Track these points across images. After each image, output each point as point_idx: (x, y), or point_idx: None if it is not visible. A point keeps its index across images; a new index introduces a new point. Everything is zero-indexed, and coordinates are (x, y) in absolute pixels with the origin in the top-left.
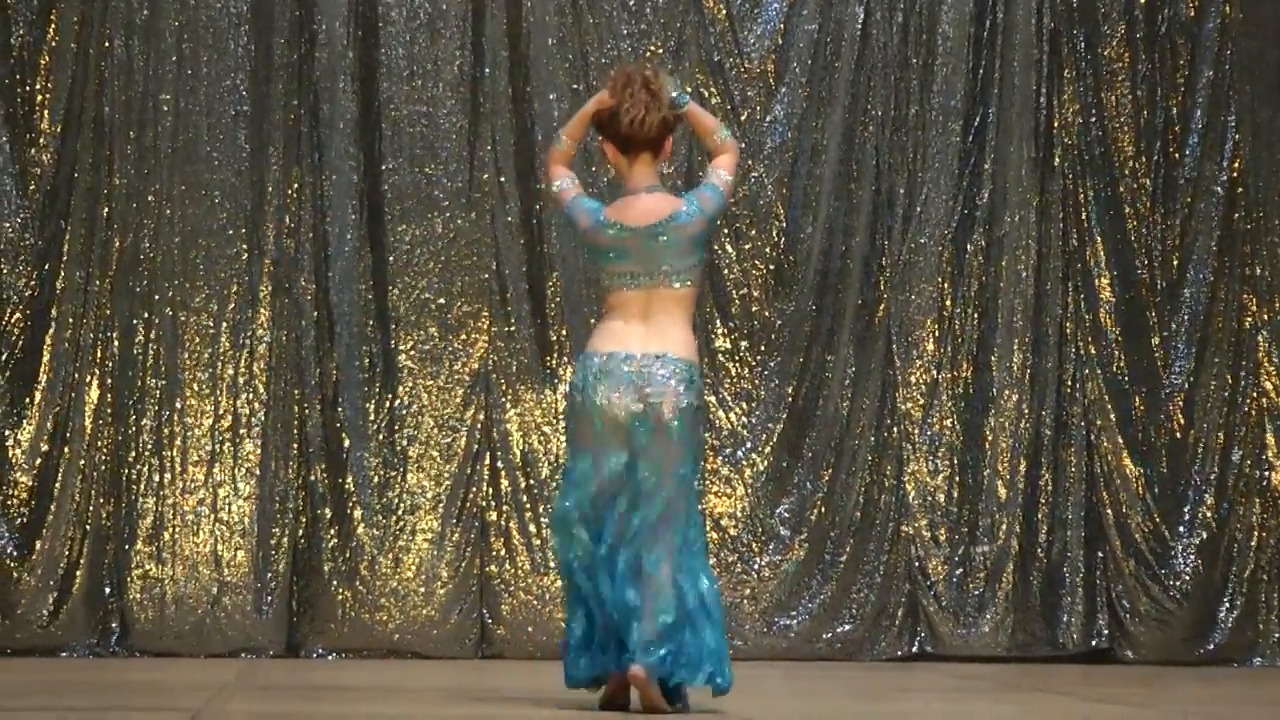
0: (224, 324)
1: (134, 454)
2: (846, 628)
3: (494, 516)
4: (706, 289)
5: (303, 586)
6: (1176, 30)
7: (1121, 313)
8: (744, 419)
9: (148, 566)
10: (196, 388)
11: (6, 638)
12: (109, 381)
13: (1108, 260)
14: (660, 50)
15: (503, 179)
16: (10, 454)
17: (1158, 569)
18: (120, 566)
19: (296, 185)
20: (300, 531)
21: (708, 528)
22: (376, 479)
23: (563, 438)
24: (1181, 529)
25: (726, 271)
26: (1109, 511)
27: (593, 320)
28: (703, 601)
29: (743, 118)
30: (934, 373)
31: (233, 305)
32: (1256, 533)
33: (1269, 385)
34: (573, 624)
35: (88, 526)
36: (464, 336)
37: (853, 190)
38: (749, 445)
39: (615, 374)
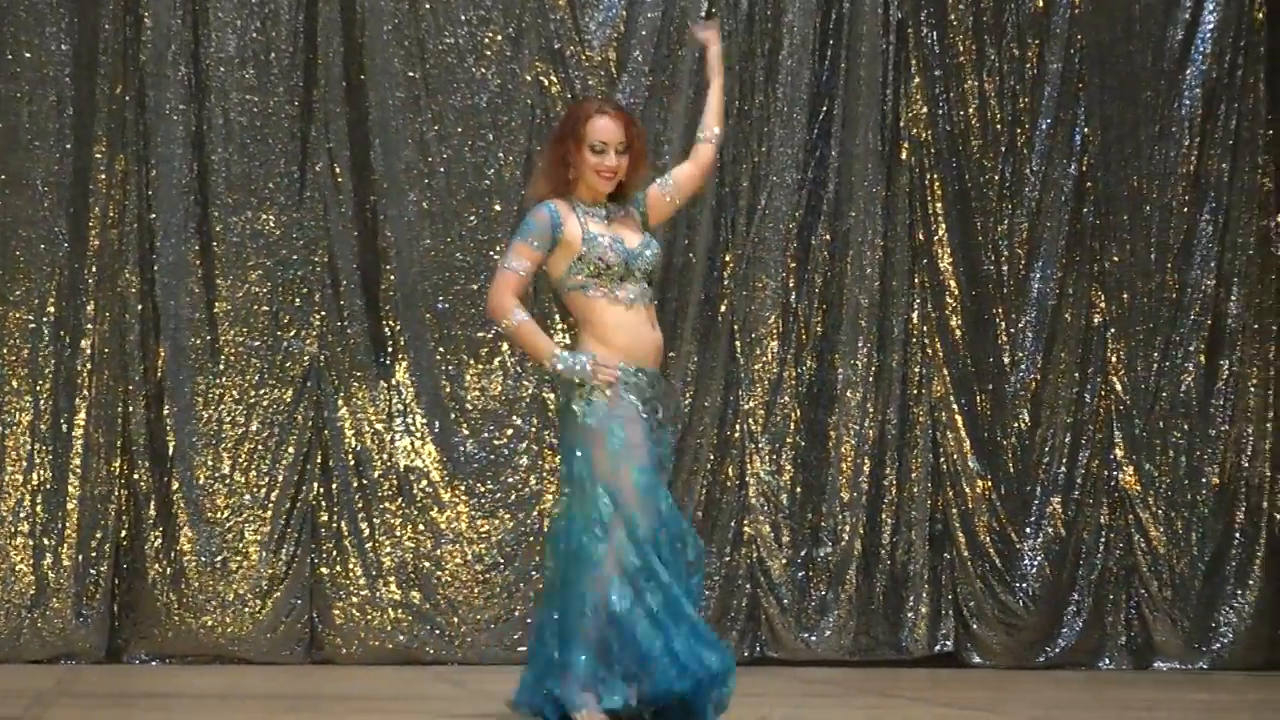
0: (45, 318)
1: None
2: None
3: (325, 517)
4: (544, 284)
5: (125, 590)
6: (1025, 22)
7: (968, 309)
8: None
9: None
10: (15, 384)
11: None
12: None
13: (954, 255)
14: (499, 37)
15: (336, 169)
16: None
17: (1004, 571)
18: None
19: (121, 174)
20: (123, 533)
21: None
22: (203, 478)
23: (396, 435)
24: (1028, 530)
25: None
26: (955, 512)
27: (428, 315)
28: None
29: None
30: (777, 370)
31: (54, 298)
32: (1104, 534)
33: (1117, 383)
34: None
35: None
36: (295, 332)
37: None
38: None
39: None
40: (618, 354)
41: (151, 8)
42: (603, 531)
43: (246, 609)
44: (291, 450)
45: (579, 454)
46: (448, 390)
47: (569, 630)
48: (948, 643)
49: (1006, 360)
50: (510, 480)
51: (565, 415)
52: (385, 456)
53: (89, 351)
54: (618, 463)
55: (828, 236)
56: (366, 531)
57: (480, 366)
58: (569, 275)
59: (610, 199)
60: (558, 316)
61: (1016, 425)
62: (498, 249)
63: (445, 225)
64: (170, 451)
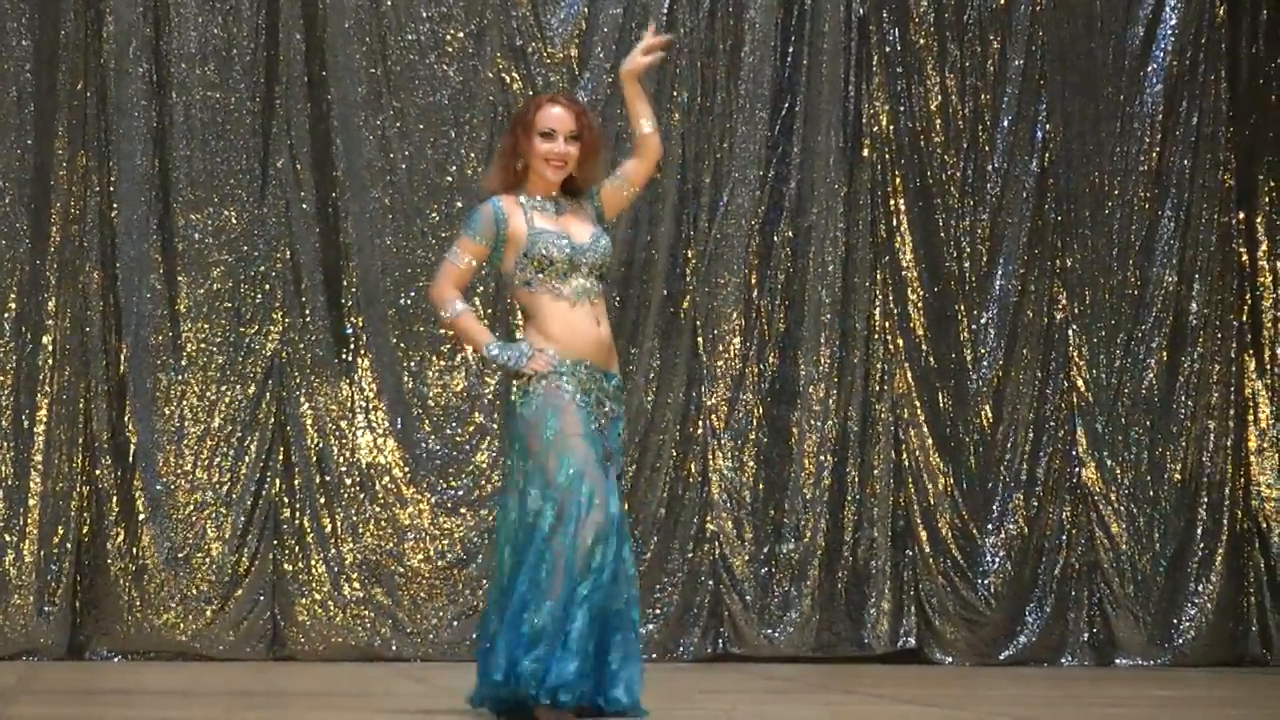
0: (6, 314)
1: None
2: (650, 627)
3: (287, 514)
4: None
5: (87, 587)
6: (987, 19)
7: (930, 305)
8: None
9: None
10: None
11: None
12: None
13: (916, 252)
14: (461, 34)
15: (297, 166)
16: None
17: (966, 567)
18: None
19: (82, 170)
20: (85, 529)
21: None
22: (165, 475)
23: (358, 432)
24: (990, 527)
25: None
26: (917, 509)
27: (390, 312)
28: None
29: None
30: (740, 366)
31: (15, 294)
32: (1066, 530)
33: (1079, 380)
34: None
35: None
36: (257, 328)
37: (658, 179)
38: None
39: None
40: (559, 349)
41: (112, 3)
42: (536, 523)
43: (209, 606)
44: (254, 447)
45: (516, 446)
46: (410, 387)
47: (504, 623)
48: (910, 639)
49: (968, 357)
50: (472, 477)
51: (506, 407)
52: (347, 453)
53: (50, 348)
54: (549, 455)
55: (790, 233)
56: (329, 528)
57: (442, 363)
58: (516, 270)
59: (564, 193)
60: (520, 315)
61: (978, 422)
62: None
63: (407, 222)
64: (132, 448)
